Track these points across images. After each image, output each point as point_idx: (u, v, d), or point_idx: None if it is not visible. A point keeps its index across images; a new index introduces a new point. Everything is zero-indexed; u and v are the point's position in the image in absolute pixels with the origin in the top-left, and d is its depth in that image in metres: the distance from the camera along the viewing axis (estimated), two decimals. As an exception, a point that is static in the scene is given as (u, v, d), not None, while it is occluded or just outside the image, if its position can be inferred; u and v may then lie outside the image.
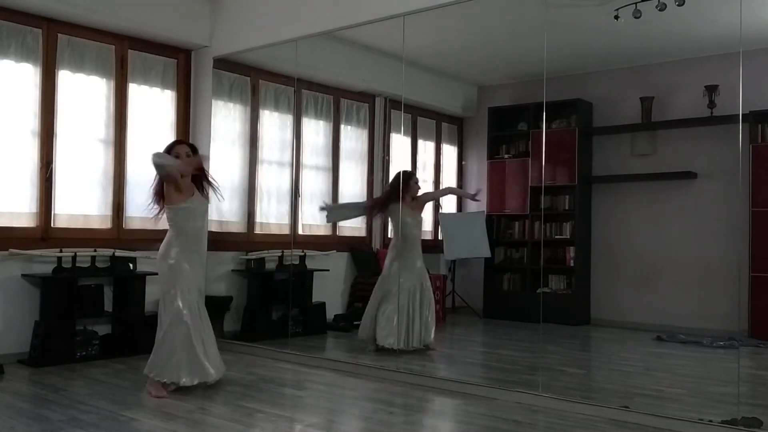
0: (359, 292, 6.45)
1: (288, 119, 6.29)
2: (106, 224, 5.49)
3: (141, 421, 3.49)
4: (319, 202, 6.12)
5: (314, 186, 6.40)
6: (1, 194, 4.89)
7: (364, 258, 6.56)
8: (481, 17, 5.20)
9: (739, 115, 3.75)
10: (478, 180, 7.17)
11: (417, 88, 6.00)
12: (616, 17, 4.91)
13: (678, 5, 4.63)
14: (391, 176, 5.80)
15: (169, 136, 5.91)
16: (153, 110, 5.82)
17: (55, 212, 5.16)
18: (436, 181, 7.10)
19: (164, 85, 5.91)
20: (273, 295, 5.93)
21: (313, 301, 6.16)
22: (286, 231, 6.03)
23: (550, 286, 6.47)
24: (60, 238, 5.15)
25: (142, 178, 5.67)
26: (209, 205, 4.52)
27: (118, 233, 5.53)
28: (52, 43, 5.15)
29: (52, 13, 5.07)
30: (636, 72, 6.23)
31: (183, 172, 4.11)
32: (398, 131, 6.50)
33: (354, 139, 6.65)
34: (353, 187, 6.68)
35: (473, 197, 6.38)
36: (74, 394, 4.00)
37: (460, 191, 6.92)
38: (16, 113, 4.96)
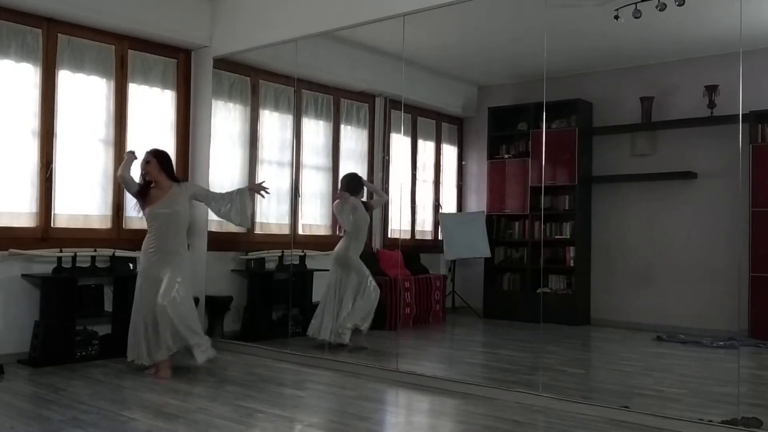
0: (359, 293, 6.43)
1: (288, 119, 6.29)
2: (106, 224, 5.49)
3: (141, 421, 3.49)
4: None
5: (314, 186, 6.40)
6: (1, 194, 4.88)
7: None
8: (481, 17, 5.21)
9: (739, 115, 3.75)
10: (478, 180, 7.17)
11: (417, 88, 6.00)
12: (616, 17, 4.92)
13: (678, 5, 4.63)
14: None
15: (169, 136, 5.92)
16: (153, 110, 5.82)
17: (55, 212, 5.16)
18: (436, 181, 7.10)
19: (164, 85, 5.91)
20: (273, 295, 5.92)
21: (313, 301, 6.15)
22: (286, 231, 6.04)
23: (550, 286, 6.47)
24: (60, 238, 5.15)
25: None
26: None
27: (118, 233, 5.53)
28: (52, 43, 5.14)
29: (52, 13, 5.07)
30: (636, 72, 6.23)
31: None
32: (398, 131, 6.50)
33: (354, 139, 6.65)
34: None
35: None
36: (74, 394, 4.00)
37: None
38: (16, 113, 4.96)
